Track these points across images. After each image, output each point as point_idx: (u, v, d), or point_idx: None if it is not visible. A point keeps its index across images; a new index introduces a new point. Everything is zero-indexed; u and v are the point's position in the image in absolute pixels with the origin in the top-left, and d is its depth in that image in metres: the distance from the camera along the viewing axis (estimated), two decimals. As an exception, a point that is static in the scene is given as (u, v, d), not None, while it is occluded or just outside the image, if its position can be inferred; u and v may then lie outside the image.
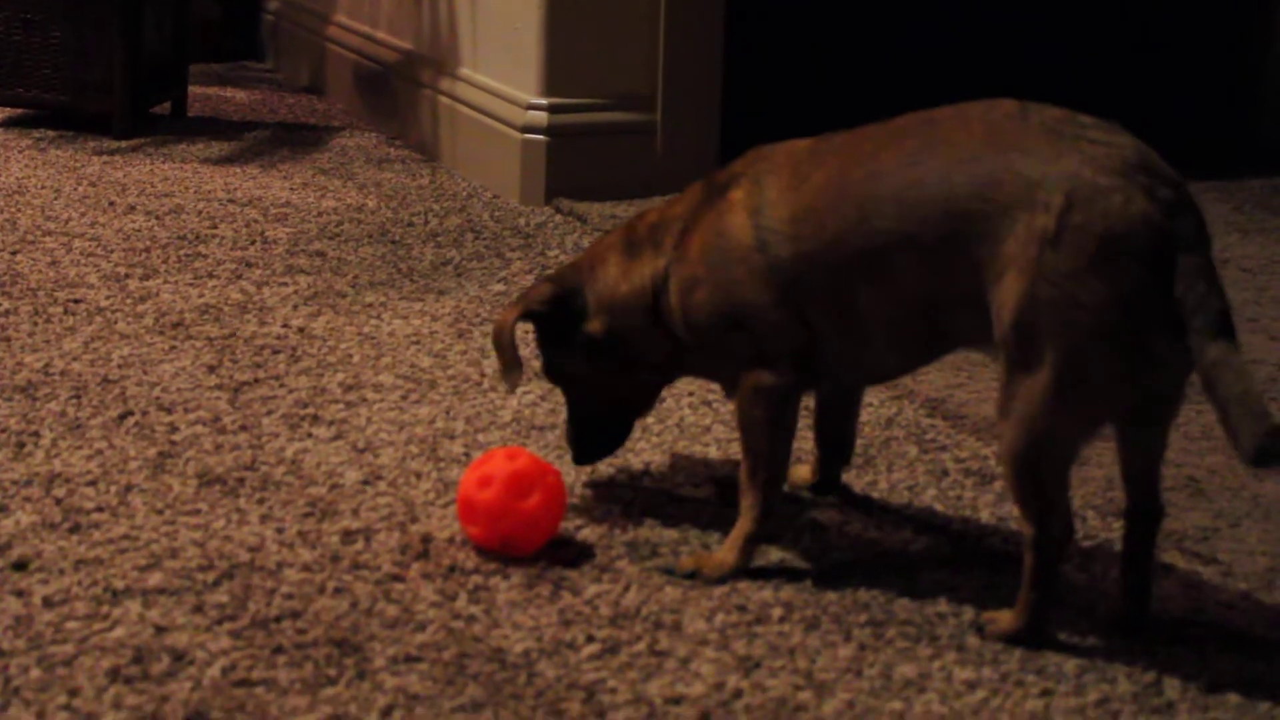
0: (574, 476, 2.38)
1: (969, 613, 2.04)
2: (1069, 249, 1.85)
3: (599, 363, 2.24)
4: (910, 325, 2.02)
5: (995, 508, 2.34)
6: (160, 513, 2.22)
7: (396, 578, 2.08)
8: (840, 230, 2.01)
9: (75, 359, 2.77)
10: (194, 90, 4.81)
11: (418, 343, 2.91)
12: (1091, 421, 1.92)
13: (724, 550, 2.12)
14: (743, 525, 2.12)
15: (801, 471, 2.38)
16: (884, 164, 1.99)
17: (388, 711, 1.79)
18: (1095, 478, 2.41)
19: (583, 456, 2.33)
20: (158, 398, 2.61)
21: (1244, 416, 1.78)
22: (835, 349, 2.08)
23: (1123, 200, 1.85)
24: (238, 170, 4.07)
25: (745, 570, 2.11)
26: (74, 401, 2.59)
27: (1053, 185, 1.87)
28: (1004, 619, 1.98)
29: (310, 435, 2.50)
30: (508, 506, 2.10)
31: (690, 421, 2.60)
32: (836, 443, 2.36)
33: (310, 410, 2.59)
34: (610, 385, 2.27)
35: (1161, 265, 1.84)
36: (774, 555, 2.17)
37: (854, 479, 2.41)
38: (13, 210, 3.61)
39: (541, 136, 3.83)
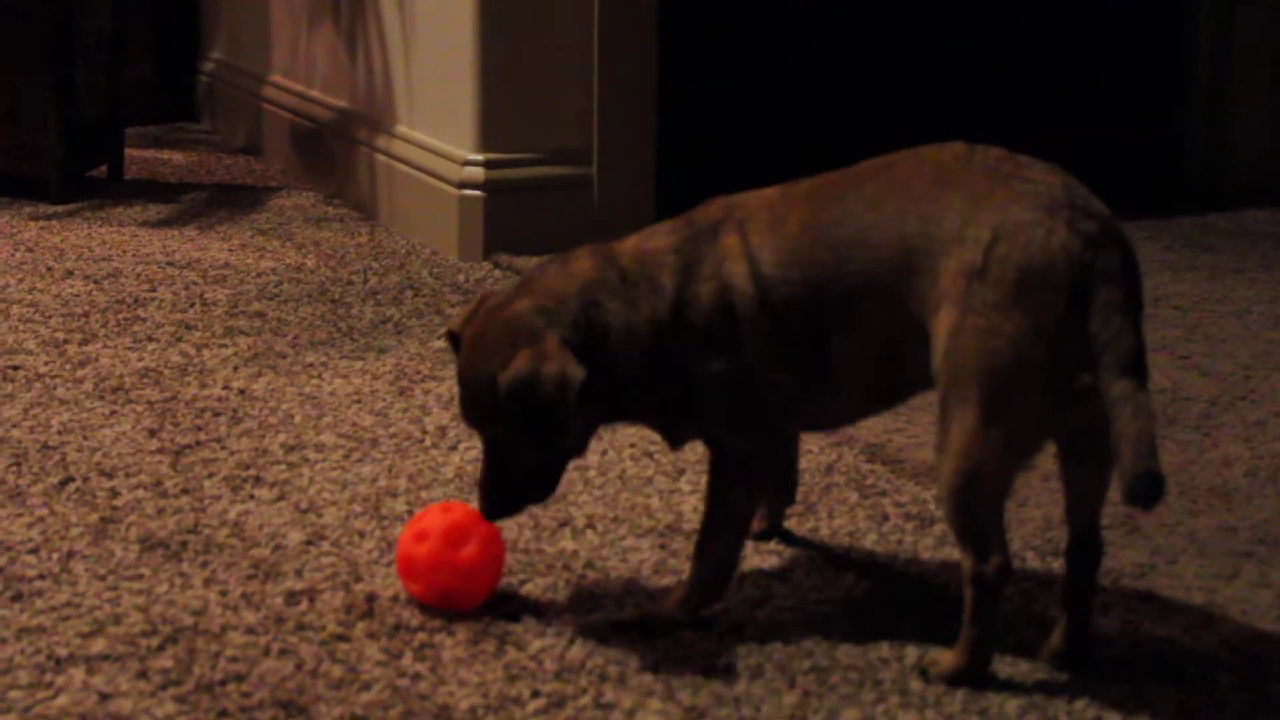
0: (516, 531, 2.39)
1: (912, 657, 2.05)
2: (993, 281, 1.89)
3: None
4: (875, 368, 2.04)
5: (936, 551, 2.36)
6: (103, 579, 2.22)
7: (341, 638, 2.08)
8: (818, 275, 2.02)
9: (15, 426, 2.76)
10: (130, 153, 4.80)
11: (359, 401, 2.92)
12: (1020, 452, 1.94)
13: (669, 605, 2.13)
14: (689, 589, 2.13)
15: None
16: (850, 207, 2.03)
17: (335, 772, 1.79)
18: (1034, 518, 2.43)
19: (501, 509, 2.08)
20: (98, 463, 2.61)
21: (1129, 455, 1.81)
22: (806, 395, 2.09)
23: (1044, 234, 1.89)
24: (176, 232, 4.07)
25: (690, 622, 2.12)
26: (14, 469, 2.58)
27: (983, 221, 1.91)
28: (946, 660, 2.00)
29: (253, 497, 2.50)
30: (445, 558, 2.10)
31: (632, 473, 2.61)
32: (781, 486, 2.38)
33: (252, 472, 2.59)
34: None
35: (1081, 298, 1.87)
36: (716, 605, 2.18)
37: (795, 525, 2.43)
38: (-51, 278, 3.60)
39: (478, 192, 3.85)
